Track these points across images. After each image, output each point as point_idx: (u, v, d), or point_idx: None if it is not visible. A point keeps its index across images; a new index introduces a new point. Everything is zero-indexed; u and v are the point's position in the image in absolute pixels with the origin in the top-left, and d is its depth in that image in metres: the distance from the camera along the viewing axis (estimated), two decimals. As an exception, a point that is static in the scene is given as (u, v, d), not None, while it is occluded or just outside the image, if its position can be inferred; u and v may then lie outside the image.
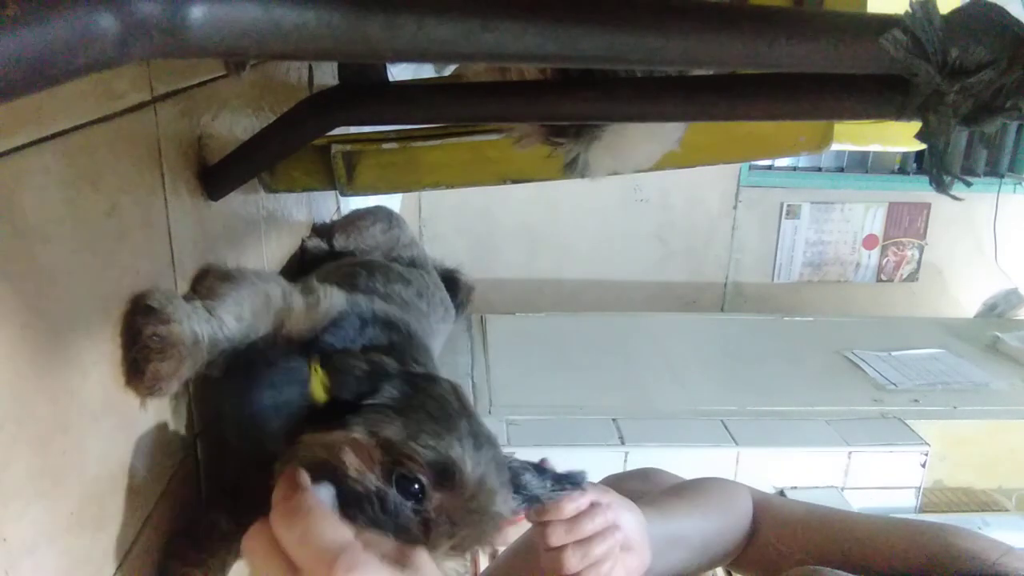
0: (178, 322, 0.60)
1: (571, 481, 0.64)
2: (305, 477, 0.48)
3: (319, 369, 0.58)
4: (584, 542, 0.64)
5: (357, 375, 0.58)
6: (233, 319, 0.67)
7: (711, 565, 0.79)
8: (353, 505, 0.50)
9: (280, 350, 0.64)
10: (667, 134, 0.80)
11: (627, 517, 0.67)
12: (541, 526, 0.65)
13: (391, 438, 0.53)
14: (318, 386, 0.57)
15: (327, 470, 0.52)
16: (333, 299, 0.74)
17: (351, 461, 0.52)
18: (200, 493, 0.77)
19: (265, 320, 0.70)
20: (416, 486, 0.52)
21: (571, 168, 0.78)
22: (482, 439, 0.57)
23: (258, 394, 0.59)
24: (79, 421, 0.54)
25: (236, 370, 0.64)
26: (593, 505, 0.65)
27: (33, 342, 0.48)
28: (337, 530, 0.43)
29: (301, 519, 0.43)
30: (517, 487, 0.61)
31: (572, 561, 0.63)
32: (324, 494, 0.49)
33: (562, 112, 0.69)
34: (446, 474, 0.53)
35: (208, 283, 0.72)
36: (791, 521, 0.77)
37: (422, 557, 0.47)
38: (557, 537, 0.64)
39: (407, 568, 0.45)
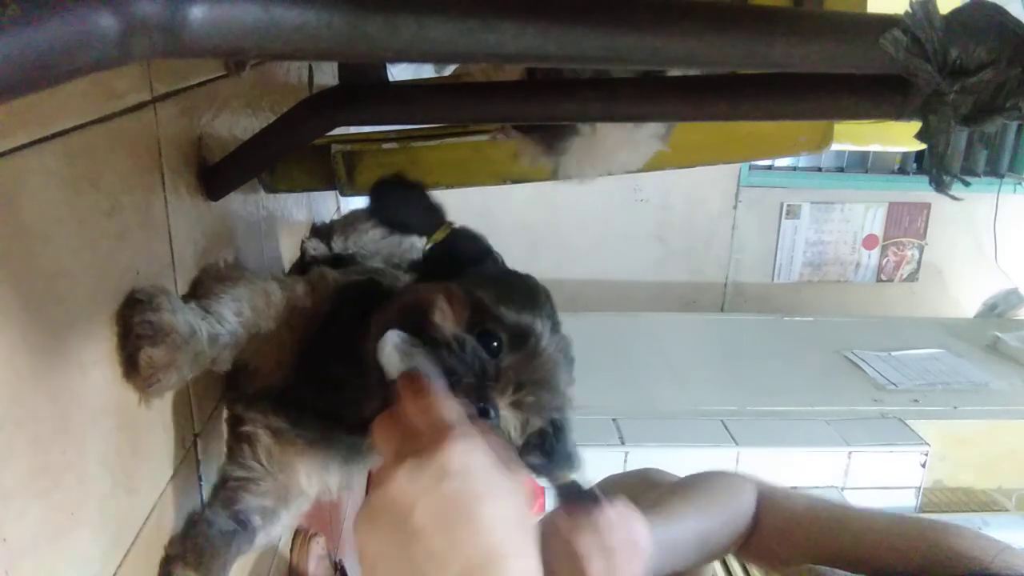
0: (169, 311, 0.61)
1: (586, 497, 0.66)
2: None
3: (448, 226, 0.71)
4: (609, 551, 0.65)
5: (475, 243, 0.71)
6: (232, 314, 0.67)
7: (708, 560, 0.80)
8: (436, 348, 0.55)
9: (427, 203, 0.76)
10: (646, 139, 0.81)
11: (642, 530, 0.68)
12: (571, 532, 0.65)
13: (483, 298, 0.59)
14: (442, 232, 0.70)
15: (419, 314, 0.58)
16: (333, 274, 0.77)
17: (442, 309, 0.58)
18: (200, 493, 0.77)
19: (268, 314, 0.70)
20: (495, 343, 0.58)
21: (555, 175, 0.82)
22: (559, 328, 0.62)
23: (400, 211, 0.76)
24: (79, 421, 0.54)
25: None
26: (618, 516, 0.66)
27: (33, 342, 0.48)
28: (459, 411, 0.48)
29: (429, 396, 0.48)
30: (544, 446, 0.64)
31: (596, 568, 0.64)
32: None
33: (563, 112, 0.69)
34: (522, 339, 0.58)
35: (205, 285, 0.72)
36: (792, 517, 0.78)
37: (520, 466, 0.49)
38: (586, 546, 0.65)
39: (505, 465, 0.47)
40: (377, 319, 0.61)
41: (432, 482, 0.43)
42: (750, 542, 0.80)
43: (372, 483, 0.47)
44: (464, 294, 0.60)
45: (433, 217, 0.72)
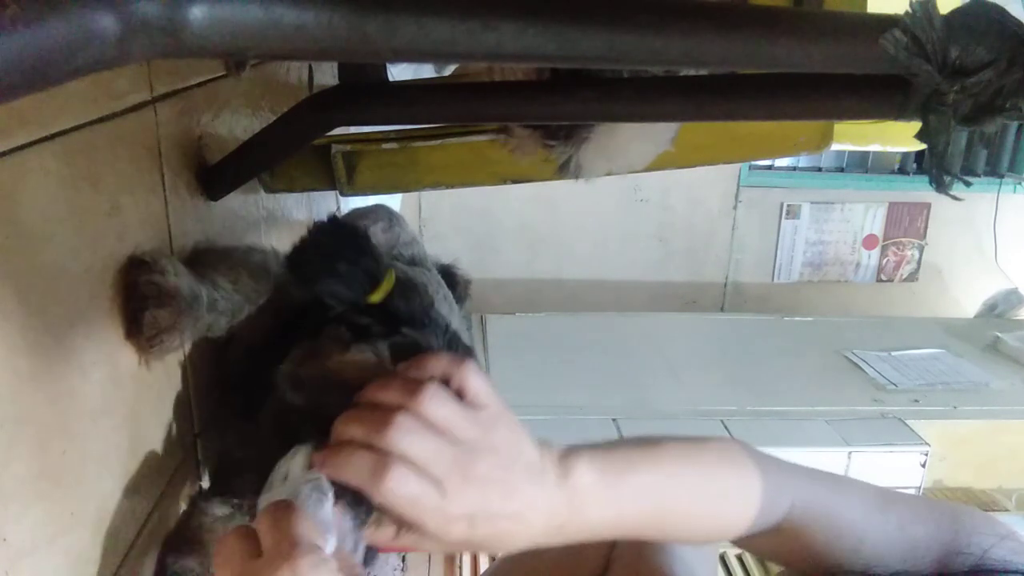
0: (173, 275, 0.61)
1: None
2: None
3: (393, 277, 0.59)
4: None
5: (422, 299, 0.62)
6: (229, 283, 0.68)
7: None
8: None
9: (364, 249, 0.61)
10: (658, 134, 0.81)
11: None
12: None
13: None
14: (381, 290, 0.58)
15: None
16: None
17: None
18: (200, 493, 0.77)
19: (265, 285, 0.71)
20: None
21: (565, 170, 0.80)
22: None
23: (328, 272, 0.58)
24: (79, 421, 0.54)
25: (314, 253, 0.62)
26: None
27: (33, 342, 0.48)
28: (311, 532, 0.44)
29: (286, 512, 0.44)
30: None
31: None
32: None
33: (563, 112, 0.69)
34: None
35: (203, 257, 0.73)
36: (812, 543, 0.70)
37: None
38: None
39: None
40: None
41: None
42: (756, 542, 0.70)
43: None
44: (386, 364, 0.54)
45: (372, 269, 0.60)
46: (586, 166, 0.78)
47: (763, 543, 0.69)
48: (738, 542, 0.71)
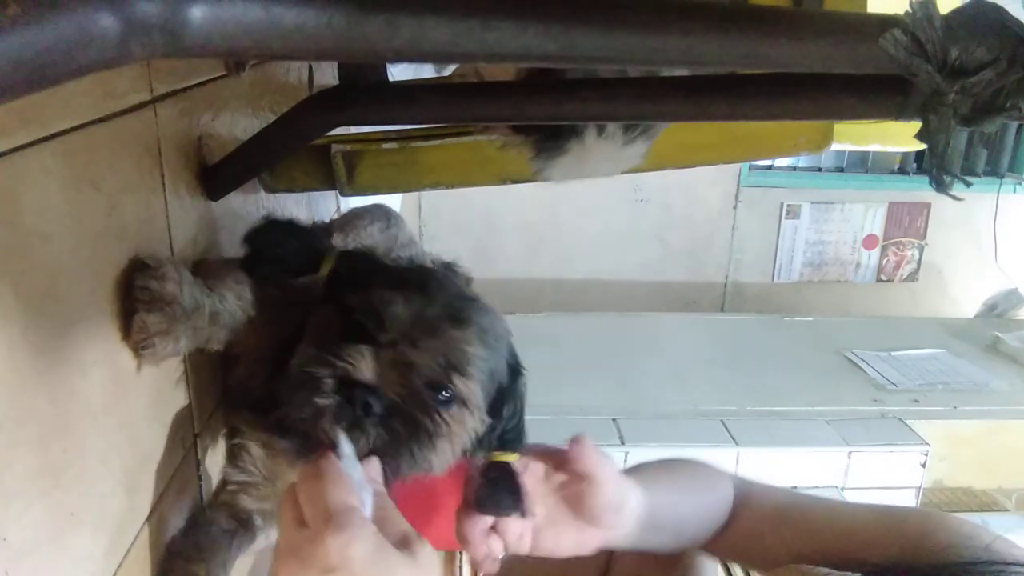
0: (174, 282, 0.61)
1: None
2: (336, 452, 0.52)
3: (331, 256, 0.68)
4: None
5: (366, 260, 0.70)
6: (234, 297, 0.68)
7: (679, 547, 0.79)
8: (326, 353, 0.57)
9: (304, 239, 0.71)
10: (627, 156, 0.83)
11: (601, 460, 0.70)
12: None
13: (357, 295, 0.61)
14: (327, 265, 0.67)
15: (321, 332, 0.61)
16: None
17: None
18: (200, 493, 0.77)
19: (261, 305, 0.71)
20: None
21: (537, 177, 0.87)
22: (467, 305, 0.64)
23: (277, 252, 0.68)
24: (79, 421, 0.54)
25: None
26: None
27: (33, 342, 0.48)
28: (345, 495, 0.47)
29: (317, 480, 0.48)
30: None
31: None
32: (346, 451, 0.52)
33: (564, 112, 0.69)
34: (376, 314, 0.59)
35: (209, 267, 0.73)
36: (763, 518, 0.76)
37: (425, 549, 0.49)
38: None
39: (405, 550, 0.47)
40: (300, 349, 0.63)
41: None
42: (721, 539, 0.78)
43: (273, 566, 0.48)
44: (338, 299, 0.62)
45: (315, 250, 0.69)
46: (555, 179, 0.85)
47: (730, 541, 0.77)
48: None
